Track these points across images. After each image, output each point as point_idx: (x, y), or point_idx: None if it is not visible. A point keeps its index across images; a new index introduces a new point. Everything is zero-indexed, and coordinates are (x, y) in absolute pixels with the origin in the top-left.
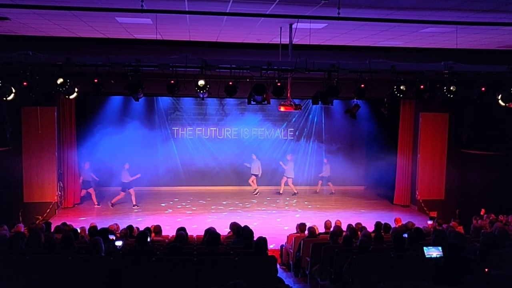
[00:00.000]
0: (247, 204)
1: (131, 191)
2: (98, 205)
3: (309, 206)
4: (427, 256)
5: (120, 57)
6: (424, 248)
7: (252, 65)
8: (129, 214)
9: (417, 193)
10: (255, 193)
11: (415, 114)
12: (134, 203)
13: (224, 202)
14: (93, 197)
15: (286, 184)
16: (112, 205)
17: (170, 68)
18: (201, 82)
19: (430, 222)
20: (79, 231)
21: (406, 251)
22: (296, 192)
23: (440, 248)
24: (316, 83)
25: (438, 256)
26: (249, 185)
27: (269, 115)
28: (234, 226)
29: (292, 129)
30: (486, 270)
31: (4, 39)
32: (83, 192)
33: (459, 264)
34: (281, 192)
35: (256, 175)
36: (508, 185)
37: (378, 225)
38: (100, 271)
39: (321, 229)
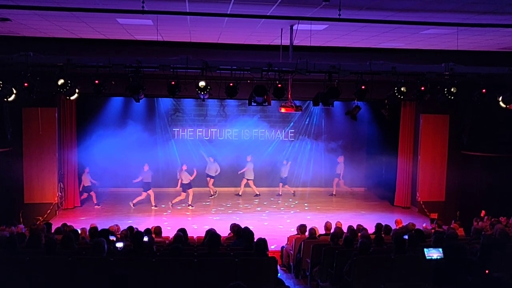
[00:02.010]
0: (248, 205)
1: (189, 191)
2: (98, 205)
3: (306, 208)
4: (427, 257)
5: (121, 58)
6: (425, 249)
7: (253, 66)
8: (129, 215)
9: (417, 194)
10: (213, 195)
11: (415, 116)
12: (153, 204)
13: (228, 204)
14: (94, 199)
15: (247, 185)
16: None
17: (171, 69)
18: (202, 83)
19: (424, 225)
20: (79, 232)
21: (407, 253)
22: (258, 193)
23: (440, 249)
24: (317, 84)
25: (438, 257)
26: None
27: (269, 116)
28: (235, 227)
29: (293, 130)
30: (487, 271)
31: (5, 40)
32: (84, 195)
33: (460, 266)
34: (240, 194)
35: (212, 177)
36: (509, 187)
37: (378, 226)
38: (101, 272)
39: (321, 230)
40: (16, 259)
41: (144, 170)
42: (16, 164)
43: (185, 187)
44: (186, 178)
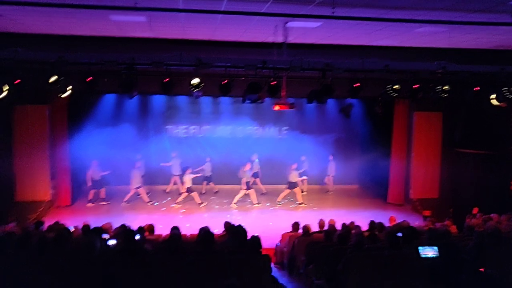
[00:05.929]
0: (241, 203)
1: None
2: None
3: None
4: (422, 255)
5: (114, 55)
6: (419, 248)
7: (247, 63)
8: (122, 213)
9: (411, 192)
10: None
11: (409, 113)
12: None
13: (227, 202)
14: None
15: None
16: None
17: (164, 66)
18: (195, 80)
19: (417, 223)
20: (72, 230)
21: (401, 250)
22: (181, 192)
23: (435, 248)
24: (311, 82)
25: (433, 255)
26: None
27: (263, 113)
28: (228, 225)
29: (287, 128)
30: (482, 269)
31: None
32: (92, 193)
33: (454, 264)
34: (167, 190)
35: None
36: (501, 184)
37: (372, 224)
38: (92, 270)
39: (315, 227)
40: (6, 259)
41: (93, 166)
42: (7, 162)
43: (292, 185)
44: (294, 177)
